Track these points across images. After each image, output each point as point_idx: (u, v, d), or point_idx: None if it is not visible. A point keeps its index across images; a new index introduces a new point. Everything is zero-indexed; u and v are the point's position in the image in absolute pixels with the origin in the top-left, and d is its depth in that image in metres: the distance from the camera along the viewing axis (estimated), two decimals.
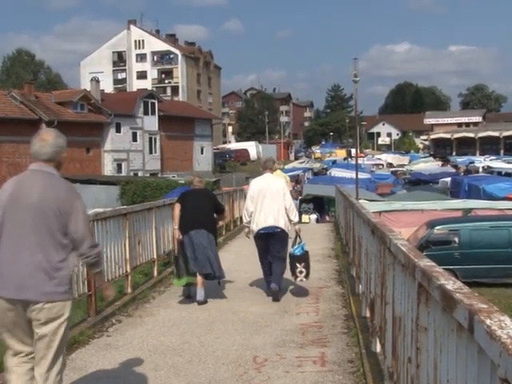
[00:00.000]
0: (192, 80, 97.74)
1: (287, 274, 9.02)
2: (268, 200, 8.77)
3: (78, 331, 6.72)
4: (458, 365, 2.26)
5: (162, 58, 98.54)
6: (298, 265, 8.82)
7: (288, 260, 8.89)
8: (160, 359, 5.98)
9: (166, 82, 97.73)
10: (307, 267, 8.88)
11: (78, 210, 3.90)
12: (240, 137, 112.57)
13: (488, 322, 1.88)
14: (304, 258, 8.90)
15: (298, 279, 8.91)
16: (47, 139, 3.97)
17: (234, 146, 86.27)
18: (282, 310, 7.99)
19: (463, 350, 2.18)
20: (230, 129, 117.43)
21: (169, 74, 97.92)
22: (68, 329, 3.99)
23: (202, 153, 65.19)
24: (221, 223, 12.96)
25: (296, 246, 8.92)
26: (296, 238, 9.02)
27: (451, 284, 2.50)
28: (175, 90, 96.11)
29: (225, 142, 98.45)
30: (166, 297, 9.16)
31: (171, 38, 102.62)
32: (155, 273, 10.53)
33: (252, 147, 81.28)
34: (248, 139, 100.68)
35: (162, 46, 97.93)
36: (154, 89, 78.30)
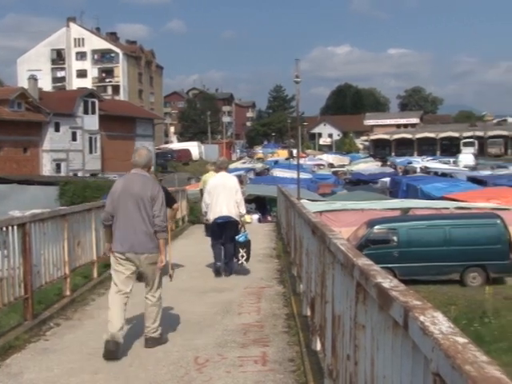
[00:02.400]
0: (133, 79, 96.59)
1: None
2: (223, 194, 10.44)
3: (14, 336, 6.54)
4: (394, 361, 2.30)
5: (103, 56, 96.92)
6: (240, 250, 10.62)
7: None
8: (100, 362, 5.88)
9: (107, 81, 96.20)
10: (248, 253, 10.70)
11: (159, 198, 6.31)
12: (182, 137, 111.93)
13: (422, 318, 1.92)
14: (246, 244, 10.68)
15: (240, 262, 10.63)
16: (142, 154, 6.51)
17: (176, 146, 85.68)
18: (224, 311, 7.99)
19: (398, 346, 2.22)
20: (172, 129, 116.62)
21: (110, 72, 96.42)
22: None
23: None
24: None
25: (240, 235, 10.66)
26: (241, 227, 10.76)
27: (387, 282, 2.55)
28: (116, 89, 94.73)
29: (167, 142, 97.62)
30: (106, 299, 8.97)
31: (112, 37, 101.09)
32: (95, 274, 10.35)
33: (194, 147, 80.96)
34: (190, 139, 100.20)
35: (103, 45, 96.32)
36: (95, 88, 77.06)
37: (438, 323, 1.88)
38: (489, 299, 17.22)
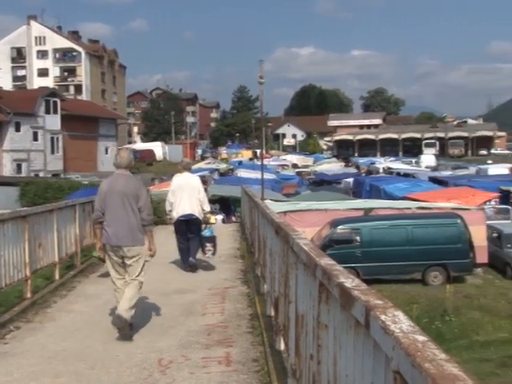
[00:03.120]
0: (96, 79, 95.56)
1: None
2: (186, 193, 11.02)
3: None
4: (356, 360, 2.32)
5: (65, 55, 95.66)
6: (207, 244, 11.35)
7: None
8: (61, 366, 5.80)
9: (69, 80, 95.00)
10: (214, 247, 11.45)
11: (143, 194, 7.10)
12: (146, 137, 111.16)
13: (383, 317, 1.94)
14: (212, 239, 11.46)
15: (207, 255, 11.39)
16: (124, 156, 7.19)
17: (139, 146, 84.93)
18: (188, 312, 7.95)
19: (360, 345, 2.24)
20: (135, 129, 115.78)
21: (72, 72, 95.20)
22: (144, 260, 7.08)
23: (106, 153, 63.90)
24: None
25: (206, 230, 11.43)
26: (206, 224, 11.46)
27: (350, 282, 2.57)
28: (78, 88, 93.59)
29: (130, 143, 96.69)
30: (68, 301, 8.90)
31: (74, 36, 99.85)
32: (57, 276, 10.21)
33: (158, 148, 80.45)
34: (154, 139, 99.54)
35: (65, 43, 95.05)
36: (57, 87, 76.07)
37: (399, 322, 1.90)
38: (449, 298, 17.51)
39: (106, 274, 8.27)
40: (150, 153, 76.96)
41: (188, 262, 11.01)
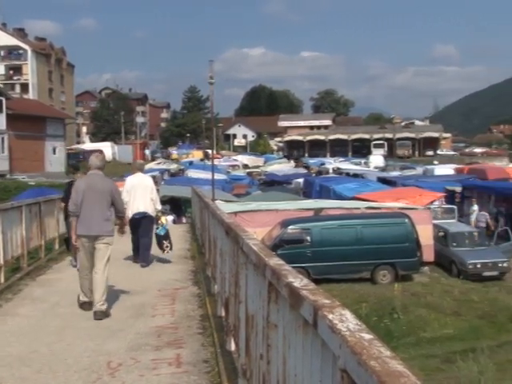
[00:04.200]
0: (43, 77, 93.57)
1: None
2: (139, 193, 11.73)
3: None
4: (304, 359, 2.34)
5: (10, 53, 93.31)
6: (164, 241, 11.87)
7: (155, 239, 11.93)
8: (6, 371, 5.66)
9: (15, 78, 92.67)
10: (170, 242, 11.99)
11: (117, 191, 8.29)
12: (95, 137, 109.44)
13: (330, 316, 1.97)
14: (167, 236, 11.93)
15: (165, 252, 11.92)
16: (98, 158, 8.27)
17: (88, 146, 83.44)
18: (138, 313, 7.88)
19: (309, 344, 2.26)
20: (84, 129, 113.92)
21: (18, 70, 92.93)
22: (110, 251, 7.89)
23: (54, 153, 62.74)
24: None
25: (160, 228, 11.91)
26: (158, 222, 12.05)
27: (298, 281, 2.59)
28: (25, 87, 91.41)
29: (79, 143, 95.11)
30: (14, 304, 8.69)
31: (20, 33, 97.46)
32: (2, 279, 9.98)
33: (107, 148, 79.15)
34: (103, 140, 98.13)
35: (10, 41, 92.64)
36: (2, 85, 74.13)
37: (346, 321, 1.92)
38: (397, 296, 17.82)
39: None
40: (100, 152, 75.70)
41: (138, 258, 11.80)
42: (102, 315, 7.56)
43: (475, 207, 26.88)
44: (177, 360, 5.92)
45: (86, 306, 7.95)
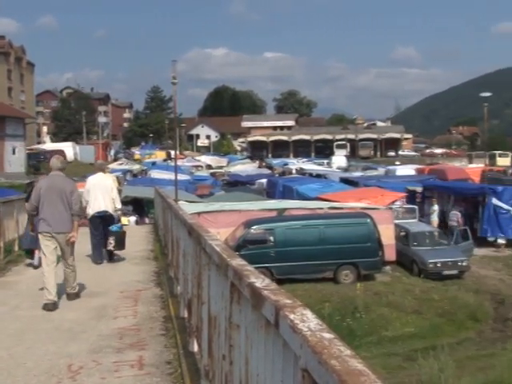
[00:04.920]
0: (2, 76, 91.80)
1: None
2: (100, 192, 12.01)
3: None
4: (266, 359, 2.35)
5: None
6: (109, 238, 11.90)
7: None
8: None
9: None
10: (117, 242, 12.02)
11: (76, 192, 8.70)
12: (56, 137, 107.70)
13: (292, 316, 1.97)
14: (118, 234, 12.05)
15: (108, 248, 12.01)
16: (59, 159, 8.90)
17: (49, 146, 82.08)
18: (99, 315, 7.79)
19: (270, 344, 2.27)
20: (44, 129, 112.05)
21: None
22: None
23: (13, 153, 61.59)
24: None
25: (114, 225, 12.11)
26: (117, 220, 12.56)
27: (260, 282, 2.59)
28: None
29: (39, 143, 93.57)
30: None
31: None
32: None
33: (68, 148, 78.04)
34: (65, 140, 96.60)
35: None
36: None
37: (307, 320, 1.93)
38: (360, 295, 18.00)
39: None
40: (61, 153, 74.64)
41: (101, 257, 12.06)
42: (74, 296, 8.64)
43: (435, 207, 27.30)
44: (139, 362, 5.88)
45: (50, 306, 8.06)
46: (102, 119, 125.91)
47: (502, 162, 68.66)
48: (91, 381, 5.35)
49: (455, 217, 25.90)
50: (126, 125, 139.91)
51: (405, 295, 18.72)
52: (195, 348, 5.59)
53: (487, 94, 47.18)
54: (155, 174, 46.54)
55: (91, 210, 12.08)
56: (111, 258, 12.22)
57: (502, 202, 25.37)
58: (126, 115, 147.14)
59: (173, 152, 49.02)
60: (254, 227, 19.53)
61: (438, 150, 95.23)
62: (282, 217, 20.95)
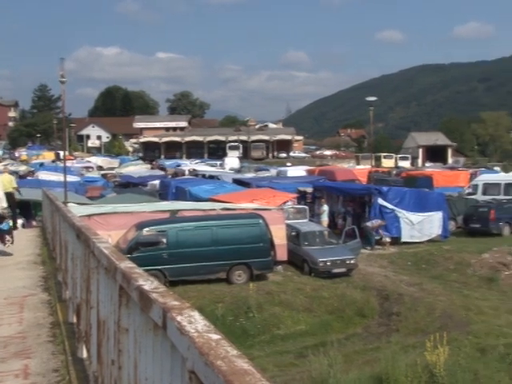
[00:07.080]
0: None
1: None
2: None
3: None
4: (155, 362, 2.33)
5: None
6: (6, 236, 12.91)
7: None
8: None
9: None
10: (12, 237, 13.23)
11: None
12: None
13: (179, 318, 1.96)
14: (10, 231, 13.16)
15: (6, 245, 12.76)
16: None
17: None
18: None
19: (159, 347, 2.25)
20: None
21: None
22: None
23: None
24: None
25: (4, 224, 12.84)
26: (4, 220, 13.01)
27: (149, 284, 2.57)
28: None
29: None
30: None
31: None
32: None
33: None
34: None
35: None
36: None
37: (195, 322, 1.93)
38: (253, 295, 18.22)
39: None
40: None
41: None
42: None
43: (325, 207, 28.07)
44: (24, 371, 5.64)
45: None
46: None
47: (387, 163, 71.99)
48: None
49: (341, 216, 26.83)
50: (11, 124, 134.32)
51: (296, 294, 19.14)
52: (84, 354, 5.45)
53: (373, 99, 49.00)
54: (43, 175, 44.99)
55: None
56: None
57: (387, 202, 26.48)
58: (12, 114, 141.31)
59: (62, 153, 47.57)
60: (147, 229, 19.29)
61: (328, 152, 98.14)
62: (174, 218, 20.81)
